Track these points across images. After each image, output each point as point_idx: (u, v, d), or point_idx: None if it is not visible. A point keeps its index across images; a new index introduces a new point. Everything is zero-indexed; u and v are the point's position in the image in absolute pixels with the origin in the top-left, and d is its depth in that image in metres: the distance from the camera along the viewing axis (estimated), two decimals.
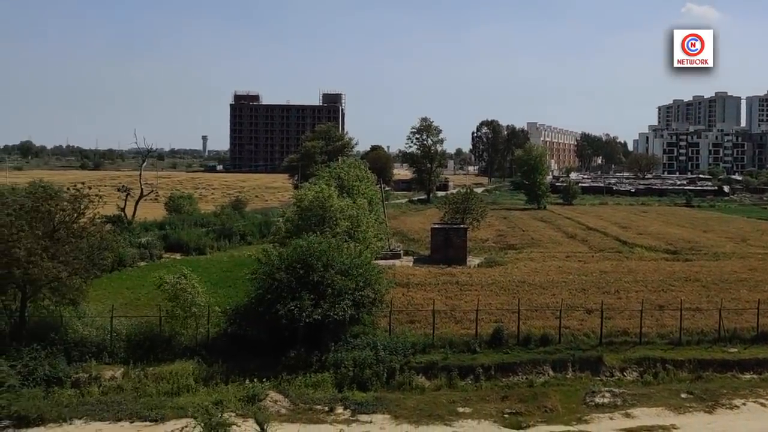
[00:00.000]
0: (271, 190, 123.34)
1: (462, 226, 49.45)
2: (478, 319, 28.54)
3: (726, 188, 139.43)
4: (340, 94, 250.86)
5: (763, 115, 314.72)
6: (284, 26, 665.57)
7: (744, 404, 23.45)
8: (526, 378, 25.45)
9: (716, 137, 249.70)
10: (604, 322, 28.92)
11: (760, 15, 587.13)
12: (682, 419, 22.03)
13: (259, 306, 26.16)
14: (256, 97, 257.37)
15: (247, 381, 23.55)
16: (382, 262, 39.93)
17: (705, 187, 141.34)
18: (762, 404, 23.54)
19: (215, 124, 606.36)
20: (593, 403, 23.28)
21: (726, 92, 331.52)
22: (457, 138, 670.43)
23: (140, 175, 69.96)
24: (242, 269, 37.20)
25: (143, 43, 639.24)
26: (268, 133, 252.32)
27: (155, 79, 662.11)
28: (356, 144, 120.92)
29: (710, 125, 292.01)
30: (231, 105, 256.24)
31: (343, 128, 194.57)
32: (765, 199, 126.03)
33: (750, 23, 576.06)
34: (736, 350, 28.04)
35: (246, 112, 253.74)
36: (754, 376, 26.30)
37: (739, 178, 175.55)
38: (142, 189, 63.94)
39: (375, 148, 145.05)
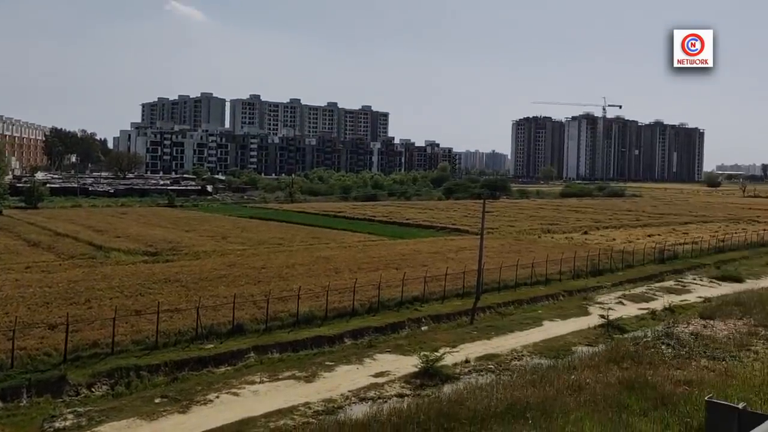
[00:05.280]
0: None
1: None
2: None
3: (209, 188, 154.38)
4: None
5: (245, 117, 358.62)
6: None
7: (218, 397, 25.96)
8: None
9: (201, 137, 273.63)
10: (70, 336, 28.68)
11: (242, 18, 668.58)
12: (155, 425, 23.02)
13: None
14: None
15: None
16: None
17: (189, 187, 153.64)
18: (235, 393, 26.45)
19: None
20: (52, 429, 22.34)
21: (211, 93, 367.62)
22: None
23: None
24: None
25: None
26: None
27: None
28: None
29: (196, 125, 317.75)
30: None
31: None
32: (245, 197, 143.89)
33: (231, 29, 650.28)
34: (212, 345, 31.12)
35: None
36: (229, 368, 29.52)
37: (223, 177, 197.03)
38: None
39: None
